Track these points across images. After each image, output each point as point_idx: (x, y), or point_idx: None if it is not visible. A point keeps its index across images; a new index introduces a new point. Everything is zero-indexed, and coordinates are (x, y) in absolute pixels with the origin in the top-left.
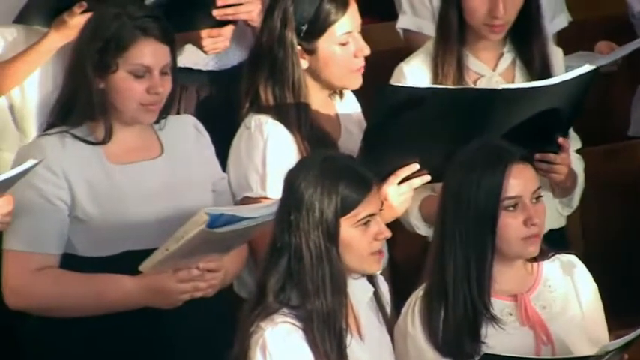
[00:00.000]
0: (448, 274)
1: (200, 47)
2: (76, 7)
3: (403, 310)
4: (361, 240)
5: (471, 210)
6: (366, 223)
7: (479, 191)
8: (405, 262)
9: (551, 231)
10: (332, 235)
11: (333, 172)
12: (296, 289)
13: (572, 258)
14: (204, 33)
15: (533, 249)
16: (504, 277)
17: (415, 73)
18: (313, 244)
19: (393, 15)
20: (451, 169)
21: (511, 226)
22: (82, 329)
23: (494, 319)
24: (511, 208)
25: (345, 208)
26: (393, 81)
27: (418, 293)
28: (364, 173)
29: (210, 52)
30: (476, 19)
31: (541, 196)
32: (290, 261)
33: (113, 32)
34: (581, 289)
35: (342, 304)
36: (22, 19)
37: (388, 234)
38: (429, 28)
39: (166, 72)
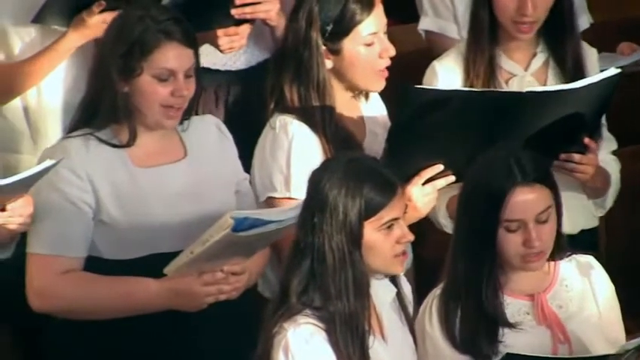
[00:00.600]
0: (460, 274)
1: (217, 46)
2: (95, 6)
3: (421, 309)
4: (384, 243)
5: (473, 220)
6: (389, 227)
7: (481, 206)
8: (435, 261)
9: (582, 231)
10: (355, 238)
11: (357, 174)
12: (319, 291)
13: (589, 258)
14: (220, 32)
15: (535, 265)
16: (520, 276)
17: (447, 71)
18: (336, 246)
19: (414, 17)
20: (467, 174)
21: (510, 243)
22: (106, 331)
23: (508, 324)
24: (513, 228)
25: (369, 211)
26: (426, 80)
27: (435, 292)
28: (389, 176)
29: (227, 50)
30: (505, 16)
31: (546, 220)
32: (313, 262)
33: (137, 36)
34: (598, 289)
35: (365, 307)
36: (39, 19)
37: (411, 238)
38: (450, 30)
39: (190, 74)
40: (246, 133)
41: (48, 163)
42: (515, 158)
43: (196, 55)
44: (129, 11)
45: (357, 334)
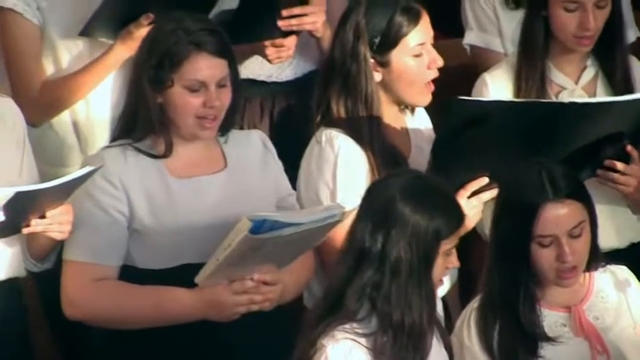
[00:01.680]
0: (496, 288)
1: (264, 56)
2: (143, 19)
3: (458, 322)
4: (438, 266)
5: (506, 235)
6: (447, 254)
7: (513, 221)
8: (480, 273)
9: (632, 244)
10: (431, 256)
11: (430, 193)
12: (380, 302)
13: (623, 269)
14: (267, 42)
15: (569, 282)
16: (556, 289)
17: (497, 83)
18: (410, 261)
19: (457, 31)
20: (500, 189)
21: (543, 258)
22: (139, 340)
23: (546, 338)
24: (545, 244)
25: (445, 234)
26: (475, 91)
27: (473, 305)
28: (459, 205)
29: (275, 61)
30: (566, 32)
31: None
32: (379, 274)
33: (168, 48)
34: (633, 300)
35: (432, 322)
36: (86, 32)
37: (457, 264)
38: (495, 44)
39: (224, 84)
40: (292, 145)
41: (87, 169)
42: (547, 173)
43: (231, 66)
44: (162, 23)
45: (419, 347)
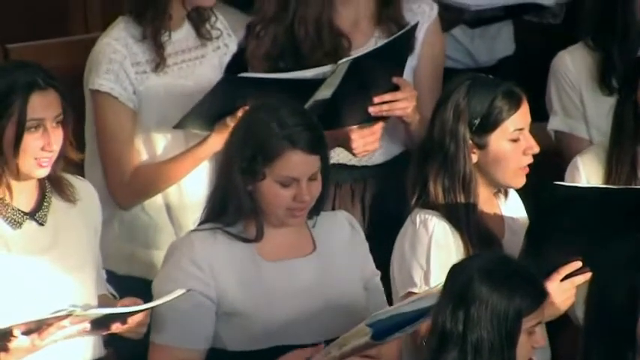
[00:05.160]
0: None
1: (350, 150)
2: (240, 112)
3: None
4: (522, 345)
5: (611, 310)
6: (531, 333)
7: (618, 293)
8: (571, 358)
9: None
10: (512, 335)
11: (510, 272)
12: None
13: None
14: (355, 134)
15: None
16: None
17: (588, 167)
18: (493, 341)
19: (542, 115)
20: (598, 265)
21: None
22: None
23: None
24: None
25: (525, 311)
26: (568, 175)
27: None
28: (540, 283)
29: (360, 154)
30: None
31: None
32: (462, 354)
33: (262, 141)
34: None
35: None
36: (181, 125)
37: (543, 344)
38: (580, 129)
39: (315, 178)
40: (385, 228)
41: (178, 292)
42: None
43: (323, 159)
44: (257, 113)
45: None
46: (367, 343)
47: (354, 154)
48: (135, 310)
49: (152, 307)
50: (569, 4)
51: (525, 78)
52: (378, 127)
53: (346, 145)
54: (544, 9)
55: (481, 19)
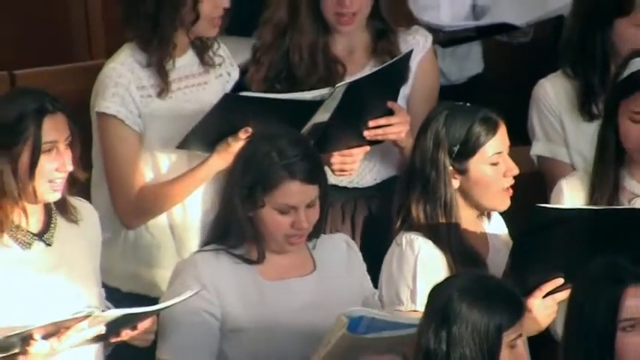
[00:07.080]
0: None
1: (329, 165)
2: (241, 133)
3: None
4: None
5: (590, 326)
6: (512, 346)
7: (597, 309)
8: None
9: None
10: (493, 351)
11: (488, 289)
12: None
13: None
14: (335, 154)
15: None
16: None
17: (572, 189)
18: (472, 359)
19: (523, 140)
20: (577, 282)
21: (629, 346)
22: None
23: None
24: (629, 329)
25: (505, 326)
26: (553, 197)
27: None
28: (518, 297)
29: (337, 173)
30: (629, 142)
31: None
32: None
33: (261, 171)
34: None
35: None
36: (184, 146)
37: (525, 358)
38: (562, 154)
39: (313, 205)
40: (373, 249)
41: (190, 292)
42: (623, 262)
43: (321, 188)
44: (258, 142)
45: None
46: (343, 336)
47: (332, 171)
48: (150, 310)
49: (165, 308)
50: (538, 23)
51: (495, 94)
52: (360, 150)
53: (326, 162)
54: (515, 29)
55: (454, 40)
